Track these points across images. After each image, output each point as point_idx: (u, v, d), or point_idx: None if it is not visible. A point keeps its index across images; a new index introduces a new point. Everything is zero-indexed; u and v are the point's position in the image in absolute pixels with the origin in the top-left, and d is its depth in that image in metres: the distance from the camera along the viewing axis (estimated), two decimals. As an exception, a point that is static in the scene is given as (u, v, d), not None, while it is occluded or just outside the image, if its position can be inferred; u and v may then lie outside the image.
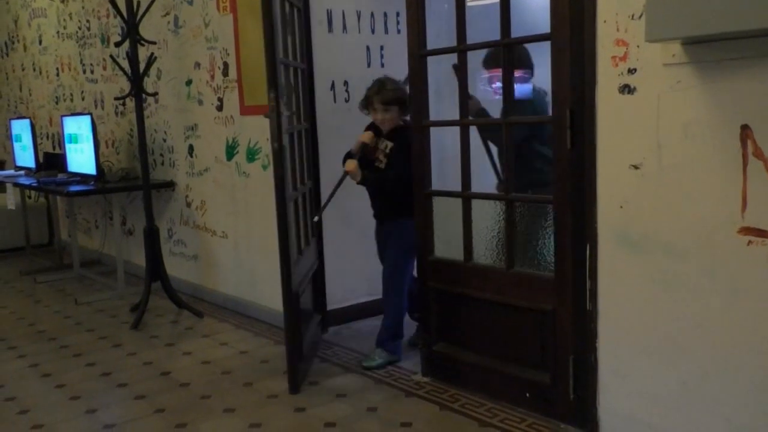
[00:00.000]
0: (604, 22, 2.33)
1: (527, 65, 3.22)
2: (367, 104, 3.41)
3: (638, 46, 2.24)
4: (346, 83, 3.99)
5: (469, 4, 2.95)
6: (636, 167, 2.32)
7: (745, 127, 2.01)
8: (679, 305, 2.25)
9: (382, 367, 3.35)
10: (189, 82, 4.55)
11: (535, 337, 2.78)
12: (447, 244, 3.14)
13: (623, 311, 2.44)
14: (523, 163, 3.00)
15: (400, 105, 3.34)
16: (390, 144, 3.38)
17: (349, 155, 3.43)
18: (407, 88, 3.25)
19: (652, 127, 2.25)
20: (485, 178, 3.29)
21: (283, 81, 3.06)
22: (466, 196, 2.99)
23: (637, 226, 2.34)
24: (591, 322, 2.55)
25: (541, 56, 3.07)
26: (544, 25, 2.60)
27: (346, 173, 3.32)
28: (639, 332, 2.39)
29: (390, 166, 3.36)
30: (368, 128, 3.47)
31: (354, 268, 4.09)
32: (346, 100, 3.99)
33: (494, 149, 3.26)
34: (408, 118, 3.32)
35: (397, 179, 3.28)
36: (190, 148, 4.68)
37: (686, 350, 2.26)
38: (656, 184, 2.27)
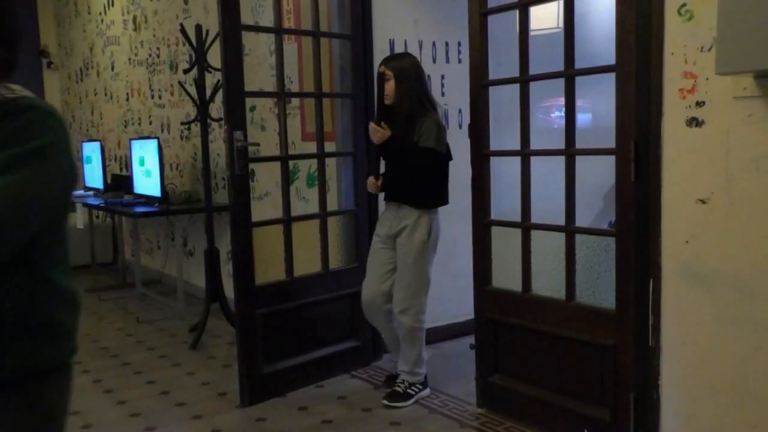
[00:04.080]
0: (672, 54, 2.31)
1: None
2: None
3: (707, 79, 2.20)
4: (406, 111, 4.02)
5: (531, 34, 2.96)
6: (703, 201, 2.27)
7: (820, 163, 1.95)
8: (749, 345, 2.18)
9: None
10: (253, 108, 4.66)
11: (594, 372, 2.72)
12: (505, 274, 3.12)
13: (688, 349, 2.37)
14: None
15: None
16: None
17: None
18: None
19: (720, 160, 2.20)
20: (540, 206, 3.26)
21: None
22: (526, 226, 2.97)
23: (704, 262, 2.28)
24: (653, 358, 2.48)
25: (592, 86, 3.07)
26: (606, 55, 2.59)
27: None
28: (705, 371, 2.32)
29: None
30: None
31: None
32: (406, 128, 4.02)
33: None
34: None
35: None
36: (252, 173, 4.78)
37: (756, 393, 2.18)
38: (725, 219, 2.21)
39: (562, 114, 2.86)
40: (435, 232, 3.22)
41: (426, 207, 3.18)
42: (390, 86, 3.12)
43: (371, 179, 3.34)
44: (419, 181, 3.14)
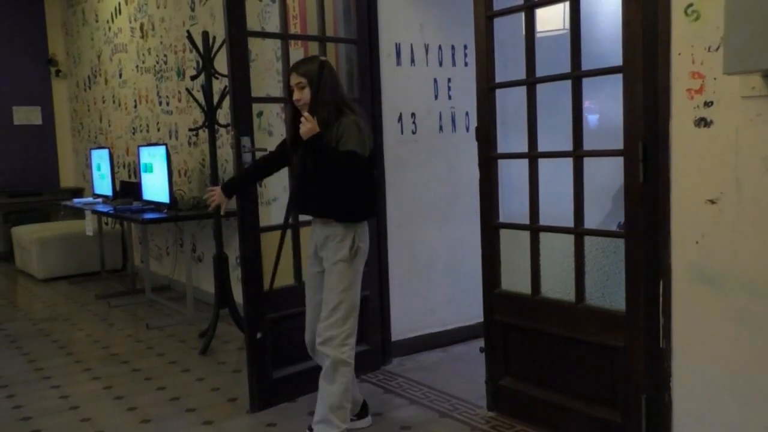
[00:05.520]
0: (679, 54, 2.30)
1: None
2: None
3: (715, 79, 2.20)
4: (413, 115, 4.03)
5: (537, 36, 2.96)
6: (713, 202, 2.26)
7: (830, 162, 1.94)
8: (761, 347, 2.16)
9: None
10: (260, 114, 4.68)
11: (605, 374, 2.71)
12: (514, 277, 3.11)
13: (699, 350, 2.36)
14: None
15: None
16: None
17: None
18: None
19: (729, 161, 2.19)
20: (549, 208, 3.25)
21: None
22: (535, 228, 2.96)
23: (714, 263, 2.27)
24: (665, 360, 2.47)
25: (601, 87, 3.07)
26: (613, 56, 2.58)
27: None
28: (717, 373, 2.30)
29: None
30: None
31: (418, 300, 4.09)
32: (413, 132, 4.03)
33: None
34: None
35: None
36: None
37: (768, 393, 2.16)
38: (735, 219, 2.20)
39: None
40: (362, 251, 2.84)
41: (352, 220, 2.79)
42: (305, 94, 2.73)
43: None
44: (342, 190, 2.76)
